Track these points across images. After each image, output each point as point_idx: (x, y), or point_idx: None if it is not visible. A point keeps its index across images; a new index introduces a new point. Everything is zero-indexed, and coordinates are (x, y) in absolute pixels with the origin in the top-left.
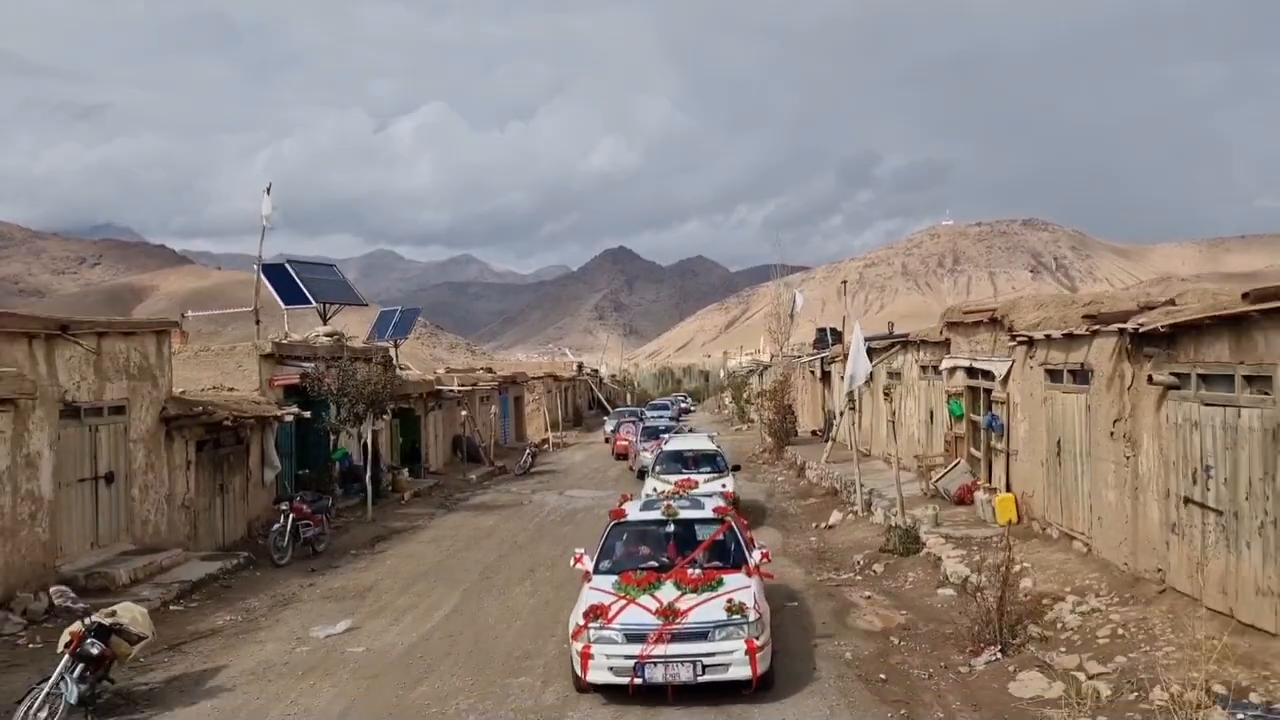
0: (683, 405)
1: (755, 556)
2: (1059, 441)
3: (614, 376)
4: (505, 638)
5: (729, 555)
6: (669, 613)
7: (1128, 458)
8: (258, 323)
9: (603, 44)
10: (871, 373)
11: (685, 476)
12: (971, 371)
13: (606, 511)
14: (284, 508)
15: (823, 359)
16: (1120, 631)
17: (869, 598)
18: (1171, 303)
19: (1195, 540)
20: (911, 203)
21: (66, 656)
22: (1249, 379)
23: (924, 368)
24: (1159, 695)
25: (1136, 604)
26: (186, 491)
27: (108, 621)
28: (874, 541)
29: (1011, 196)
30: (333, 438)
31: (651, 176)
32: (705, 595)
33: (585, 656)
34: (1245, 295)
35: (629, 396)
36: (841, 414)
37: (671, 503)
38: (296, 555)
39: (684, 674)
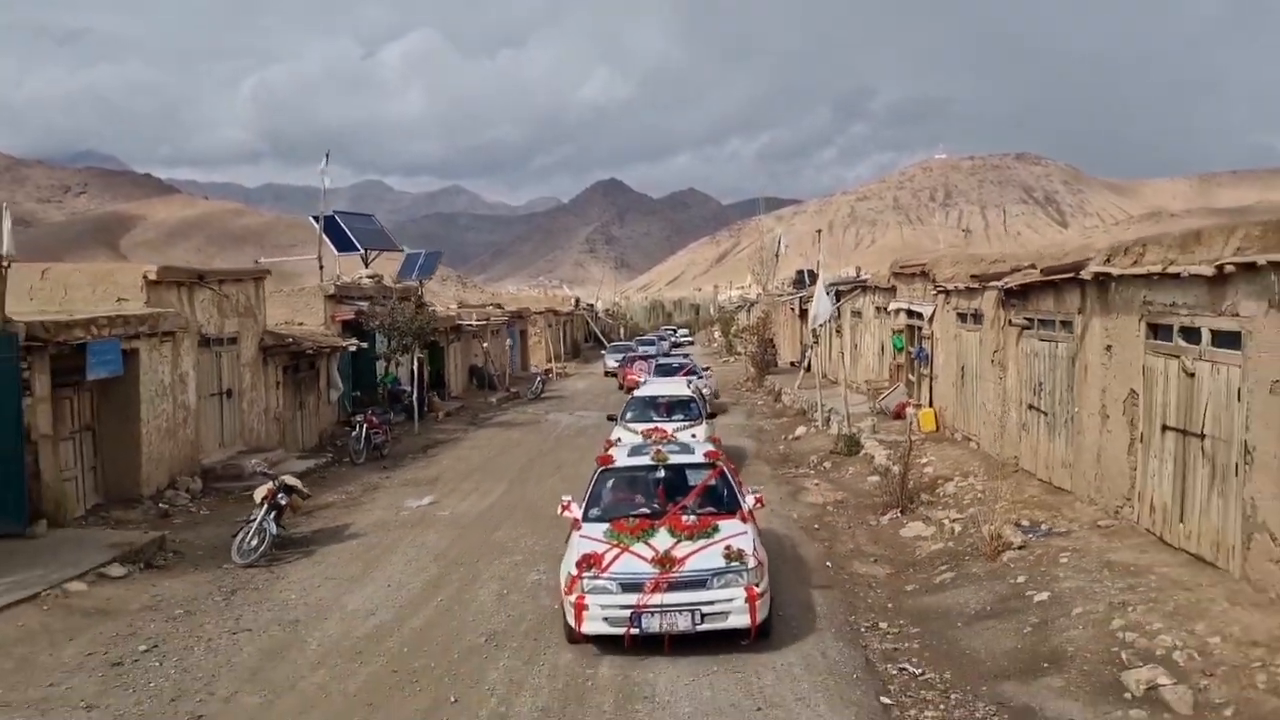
0: (674, 340)
1: (749, 501)
2: (963, 368)
3: (607, 310)
4: (548, 508)
5: (722, 500)
6: (665, 560)
7: (1000, 378)
8: (321, 268)
9: None
10: (837, 310)
11: (655, 425)
12: (910, 313)
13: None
14: (359, 419)
15: (800, 298)
16: (979, 496)
17: (817, 484)
18: (1033, 266)
19: (1033, 433)
20: (905, 136)
21: (265, 505)
22: (1062, 323)
23: (878, 308)
24: (986, 529)
25: (996, 478)
26: (277, 406)
27: (291, 482)
28: (827, 446)
29: (1007, 131)
30: (384, 364)
31: (644, 108)
32: (701, 542)
33: (580, 608)
34: (1027, 274)
35: (622, 330)
36: (809, 347)
37: (661, 448)
38: (369, 457)
39: (682, 623)
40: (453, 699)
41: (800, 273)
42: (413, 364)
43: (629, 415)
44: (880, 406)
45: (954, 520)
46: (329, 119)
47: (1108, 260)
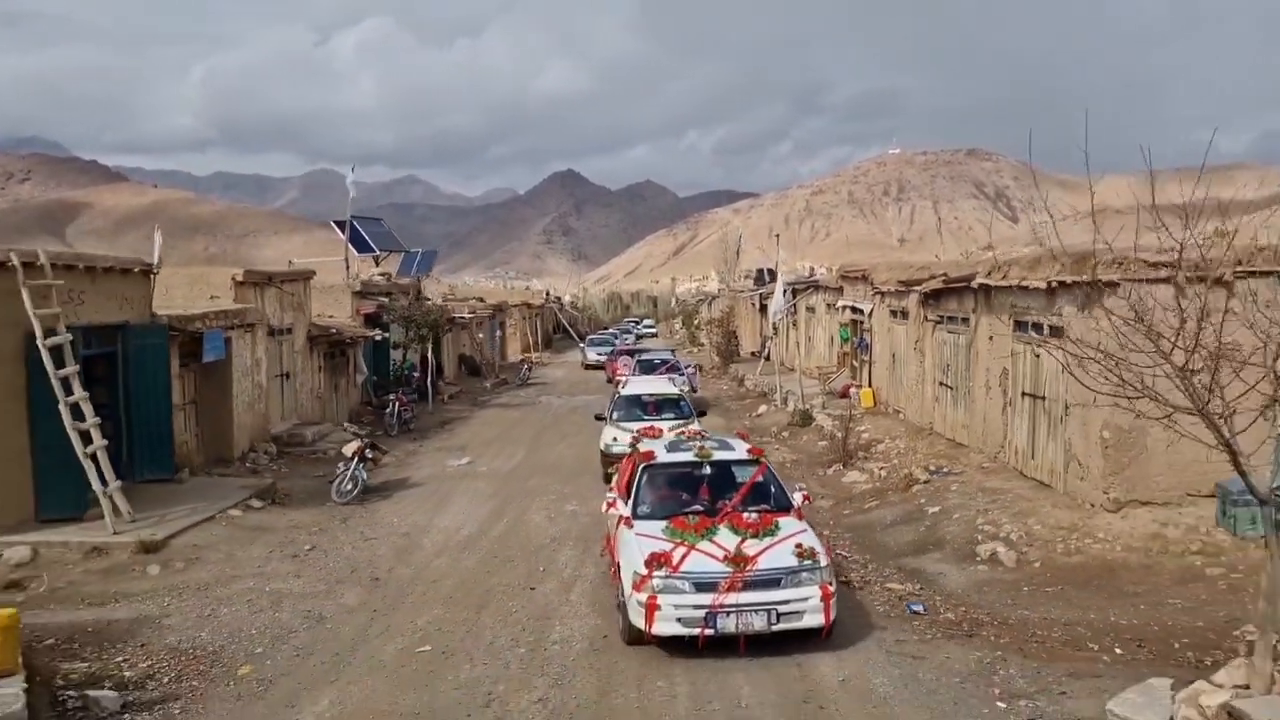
0: (639, 333)
1: (797, 498)
2: (894, 355)
3: (573, 303)
4: (566, 464)
5: (770, 497)
6: (738, 559)
7: (920, 362)
8: (347, 268)
9: None
10: (793, 306)
11: (649, 424)
12: (854, 310)
13: (603, 407)
14: (391, 398)
15: (761, 294)
16: (902, 451)
17: (778, 448)
18: (945, 274)
19: (943, 403)
20: (860, 131)
21: (355, 459)
22: (962, 319)
23: (828, 305)
24: (903, 473)
25: (916, 440)
26: (319, 387)
27: (370, 441)
28: (785, 420)
29: (960, 126)
30: (401, 352)
31: (601, 100)
32: (768, 540)
33: (651, 608)
34: (940, 281)
35: (588, 322)
36: (769, 338)
37: (704, 444)
38: (400, 430)
39: (758, 623)
40: (541, 569)
41: (760, 271)
42: (426, 352)
43: (617, 415)
44: (829, 388)
45: (882, 469)
46: (281, 107)
47: (988, 274)
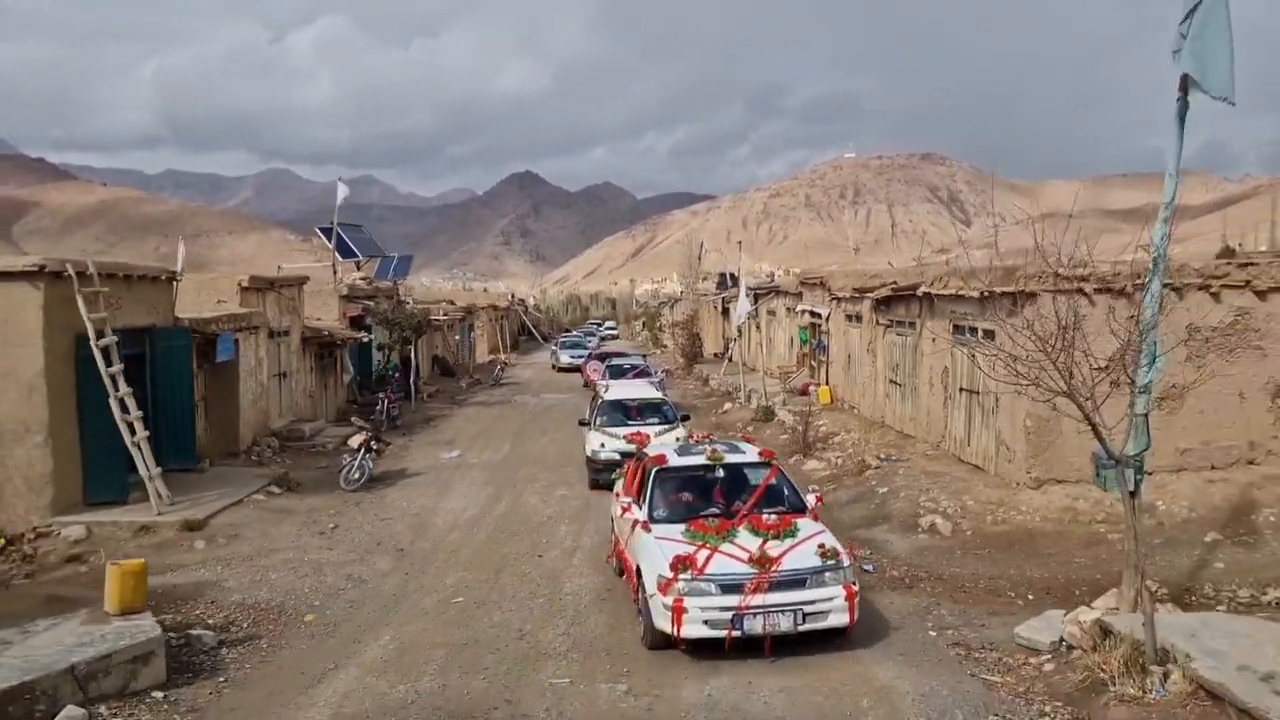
0: (602, 335)
1: (810, 500)
2: (849, 356)
3: (535, 305)
4: (549, 456)
5: (784, 499)
6: (763, 560)
7: (873, 362)
8: (335, 273)
9: None
10: (755, 311)
11: (635, 429)
12: (812, 314)
13: (576, 406)
14: (381, 396)
15: (723, 298)
16: (857, 442)
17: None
18: (895, 283)
19: (893, 399)
20: (817, 134)
21: (361, 450)
22: (909, 323)
23: (789, 309)
24: (858, 461)
25: (869, 432)
26: (311, 386)
27: (374, 434)
28: (749, 416)
29: (914, 130)
30: (385, 353)
31: (559, 100)
32: (789, 541)
33: (679, 610)
34: (889, 289)
35: (550, 323)
36: (733, 340)
37: (716, 447)
38: (389, 426)
39: (784, 623)
40: (544, 541)
41: (723, 275)
42: (412, 353)
43: (601, 420)
44: (790, 386)
45: (838, 457)
46: (234, 104)
47: (931, 284)
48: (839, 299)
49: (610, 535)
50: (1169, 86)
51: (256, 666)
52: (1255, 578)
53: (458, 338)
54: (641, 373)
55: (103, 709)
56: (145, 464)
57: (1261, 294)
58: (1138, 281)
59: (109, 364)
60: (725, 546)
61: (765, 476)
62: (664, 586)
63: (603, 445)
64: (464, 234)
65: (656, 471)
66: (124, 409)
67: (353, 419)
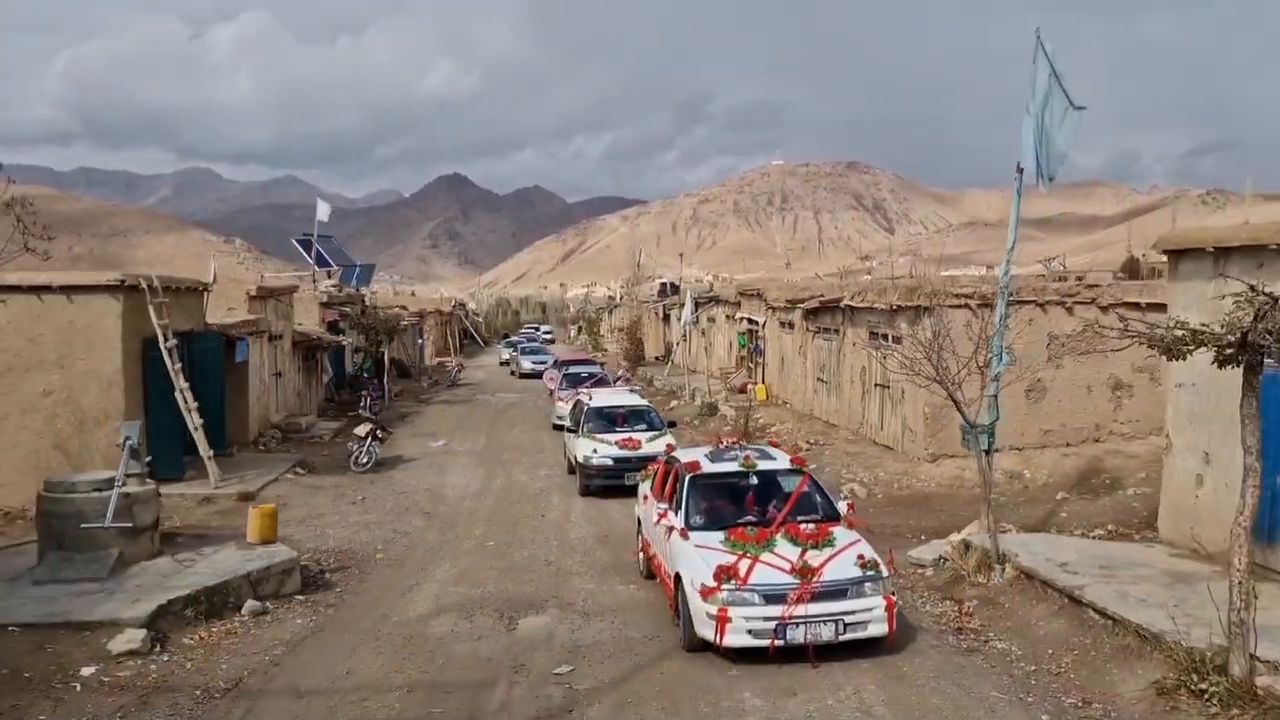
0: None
1: (843, 507)
2: (783, 358)
3: (474, 310)
4: (523, 444)
5: (818, 508)
6: (805, 570)
7: (804, 364)
8: (314, 281)
9: None
10: (697, 318)
11: (627, 435)
12: (750, 321)
13: (532, 404)
14: (364, 393)
15: (664, 305)
16: (790, 430)
17: (691, 434)
18: (822, 295)
19: (820, 395)
20: (745, 141)
21: (368, 437)
22: (834, 330)
23: (728, 316)
24: (791, 445)
25: (800, 422)
26: (299, 384)
27: (379, 424)
28: (695, 411)
29: (840, 139)
30: (360, 355)
31: (489, 102)
32: (828, 551)
33: (723, 620)
34: (817, 300)
35: (488, 327)
36: (676, 344)
37: (749, 453)
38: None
39: (826, 633)
40: (543, 505)
41: (664, 284)
42: (381, 355)
43: (589, 426)
44: (730, 385)
45: (784, 447)
46: (151, 101)
47: (851, 298)
48: (774, 309)
49: (636, 536)
50: (1080, 101)
51: (358, 584)
52: (1088, 521)
53: (421, 341)
54: (599, 381)
55: (269, 604)
56: (203, 446)
57: (1104, 308)
58: (1011, 298)
59: (174, 363)
60: (766, 556)
61: (798, 484)
62: (706, 595)
63: (595, 451)
64: (391, 236)
65: (691, 478)
66: (185, 401)
67: (360, 411)
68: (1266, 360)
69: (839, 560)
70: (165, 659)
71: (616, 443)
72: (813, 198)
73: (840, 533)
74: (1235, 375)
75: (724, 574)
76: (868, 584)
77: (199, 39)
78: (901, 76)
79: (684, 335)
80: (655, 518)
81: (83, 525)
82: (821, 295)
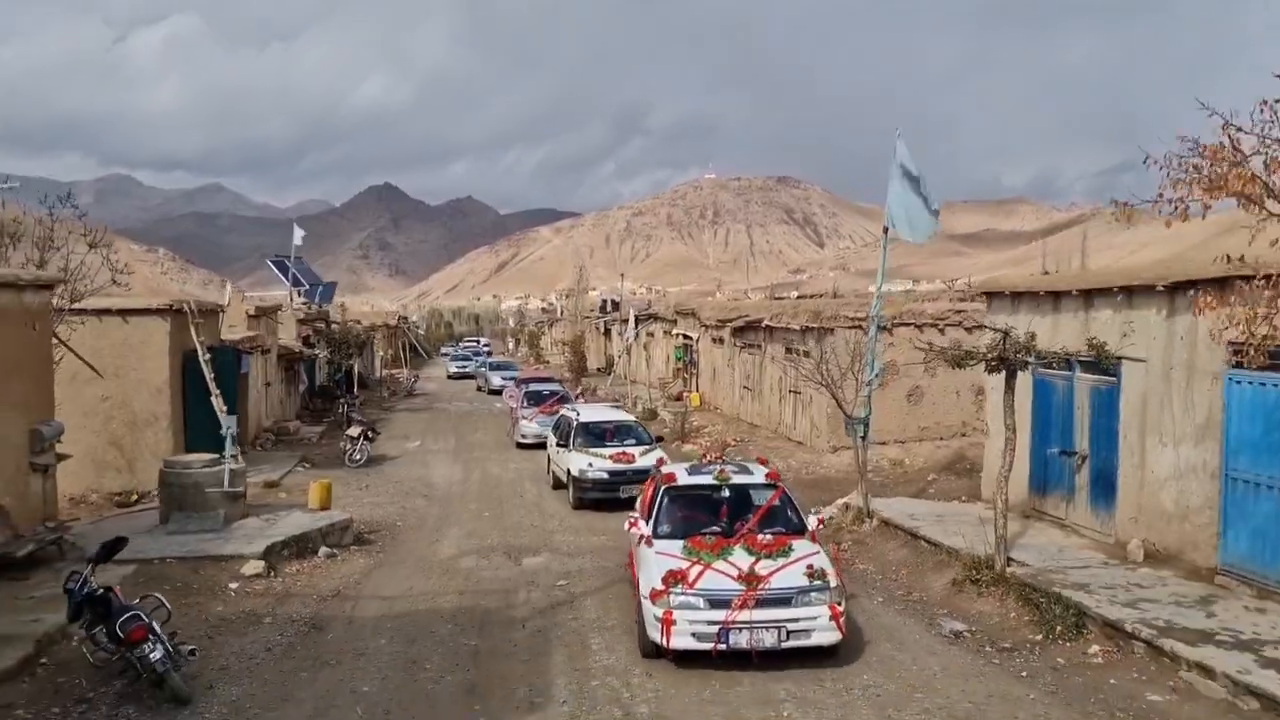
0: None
1: (812, 522)
2: (714, 369)
3: (415, 323)
4: (489, 444)
5: (787, 521)
6: (751, 578)
7: (732, 374)
8: (290, 300)
9: None
10: (638, 333)
11: (620, 449)
12: (686, 336)
13: (488, 410)
14: (344, 400)
15: (605, 320)
16: (720, 431)
17: None
18: (747, 315)
19: (746, 401)
20: (678, 154)
21: (361, 437)
22: (758, 346)
23: (666, 331)
24: (721, 443)
25: (729, 424)
26: (281, 393)
27: (370, 424)
28: (637, 416)
29: (772, 153)
30: (333, 367)
31: (422, 113)
32: (781, 560)
33: (668, 622)
34: (743, 320)
35: (430, 339)
36: (619, 357)
37: (724, 467)
38: (348, 426)
39: (768, 640)
40: (519, 489)
41: (604, 301)
42: (352, 366)
43: (580, 441)
44: (668, 394)
45: (707, 442)
46: (71, 106)
47: (771, 319)
48: (707, 326)
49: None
50: (1005, 120)
51: (392, 541)
52: (949, 494)
53: (382, 353)
54: (561, 399)
55: (335, 550)
56: (230, 442)
57: (969, 329)
58: (894, 321)
59: (210, 374)
60: (718, 564)
61: (770, 498)
62: (655, 598)
63: (590, 465)
64: (320, 247)
65: (665, 489)
66: (219, 405)
67: (353, 416)
68: (1040, 369)
69: (788, 570)
70: (280, 580)
71: (610, 456)
72: (745, 211)
73: (800, 545)
74: (1023, 380)
75: (673, 578)
76: (814, 593)
77: (123, 43)
78: (832, 93)
79: (626, 349)
80: (626, 525)
81: (208, 490)
82: (747, 316)
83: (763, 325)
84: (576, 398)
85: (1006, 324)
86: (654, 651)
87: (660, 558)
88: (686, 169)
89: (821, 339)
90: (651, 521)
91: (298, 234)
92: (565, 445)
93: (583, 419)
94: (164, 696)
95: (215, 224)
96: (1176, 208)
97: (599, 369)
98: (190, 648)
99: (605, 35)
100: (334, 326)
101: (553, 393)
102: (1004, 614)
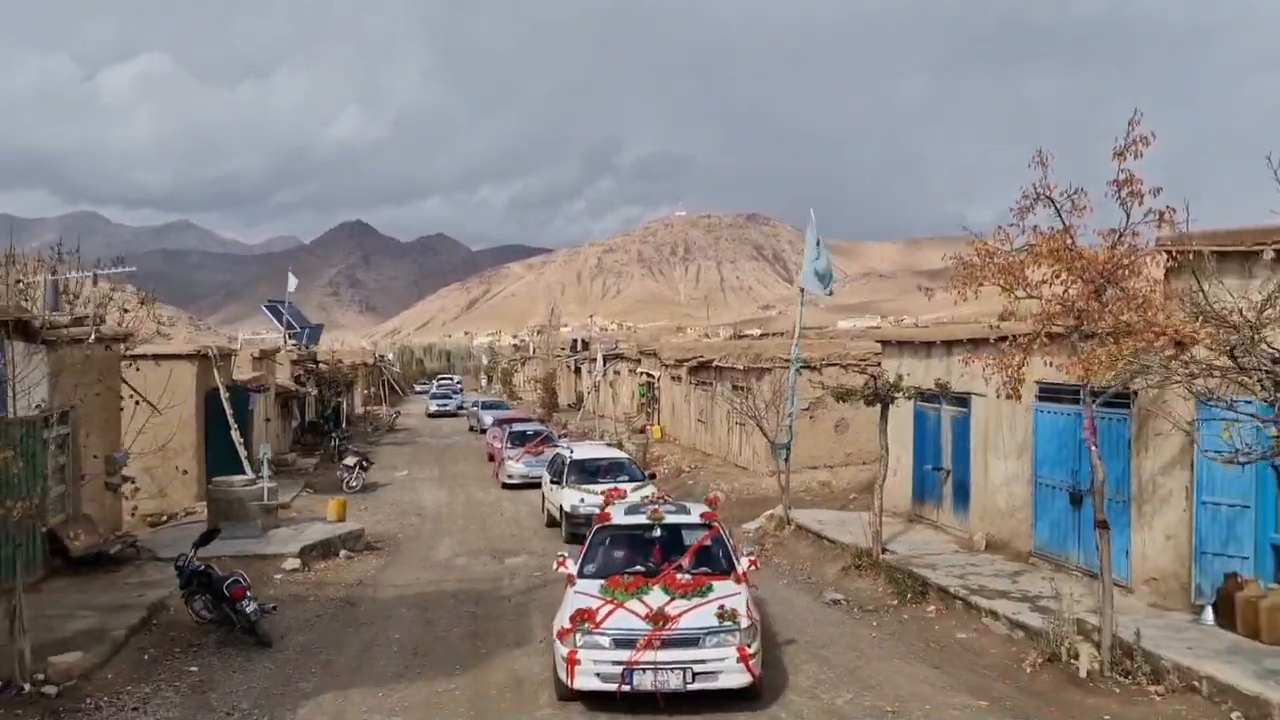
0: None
1: (743, 563)
2: (674, 404)
3: (391, 361)
4: (470, 474)
5: (717, 561)
6: (659, 618)
7: (689, 408)
8: (284, 341)
9: (347, 9)
10: (605, 371)
11: (613, 485)
12: (649, 374)
13: (467, 444)
14: (334, 434)
15: (575, 359)
16: (679, 460)
17: None
18: (701, 355)
19: (700, 433)
20: (649, 191)
21: (357, 466)
22: (709, 383)
23: (631, 369)
24: (677, 469)
25: (686, 454)
26: (278, 428)
27: (367, 455)
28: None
29: (742, 191)
30: (324, 404)
31: (394, 150)
32: (695, 601)
33: (572, 662)
34: (697, 360)
35: (405, 377)
36: (588, 393)
37: (659, 507)
38: (339, 458)
39: (673, 681)
40: (500, 510)
41: (575, 341)
42: (340, 403)
43: (574, 478)
44: (632, 427)
45: (666, 469)
46: (37, 142)
47: (719, 359)
48: (666, 365)
49: None
50: (969, 158)
51: (397, 548)
52: (865, 509)
53: (365, 391)
54: (545, 439)
55: (352, 553)
56: (249, 468)
57: (876, 364)
58: (824, 362)
59: (230, 410)
60: (631, 603)
61: (702, 537)
62: (562, 637)
63: (582, 500)
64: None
65: (597, 529)
66: (238, 437)
67: (349, 447)
68: (919, 402)
69: (700, 610)
70: (313, 573)
71: (602, 492)
72: (715, 248)
73: (722, 585)
74: (906, 410)
75: (581, 618)
76: (723, 634)
77: (92, 80)
78: (800, 131)
79: (595, 386)
80: (555, 565)
81: (249, 504)
82: (700, 356)
83: (713, 365)
84: (562, 436)
85: (896, 367)
86: (567, 693)
87: (576, 597)
88: (657, 206)
89: (760, 378)
90: (578, 561)
91: (292, 282)
92: (559, 482)
93: (576, 456)
94: (253, 642)
95: (183, 261)
96: (962, 291)
97: (570, 405)
98: (272, 605)
99: (577, 73)
100: (323, 366)
101: (536, 432)
102: (874, 588)
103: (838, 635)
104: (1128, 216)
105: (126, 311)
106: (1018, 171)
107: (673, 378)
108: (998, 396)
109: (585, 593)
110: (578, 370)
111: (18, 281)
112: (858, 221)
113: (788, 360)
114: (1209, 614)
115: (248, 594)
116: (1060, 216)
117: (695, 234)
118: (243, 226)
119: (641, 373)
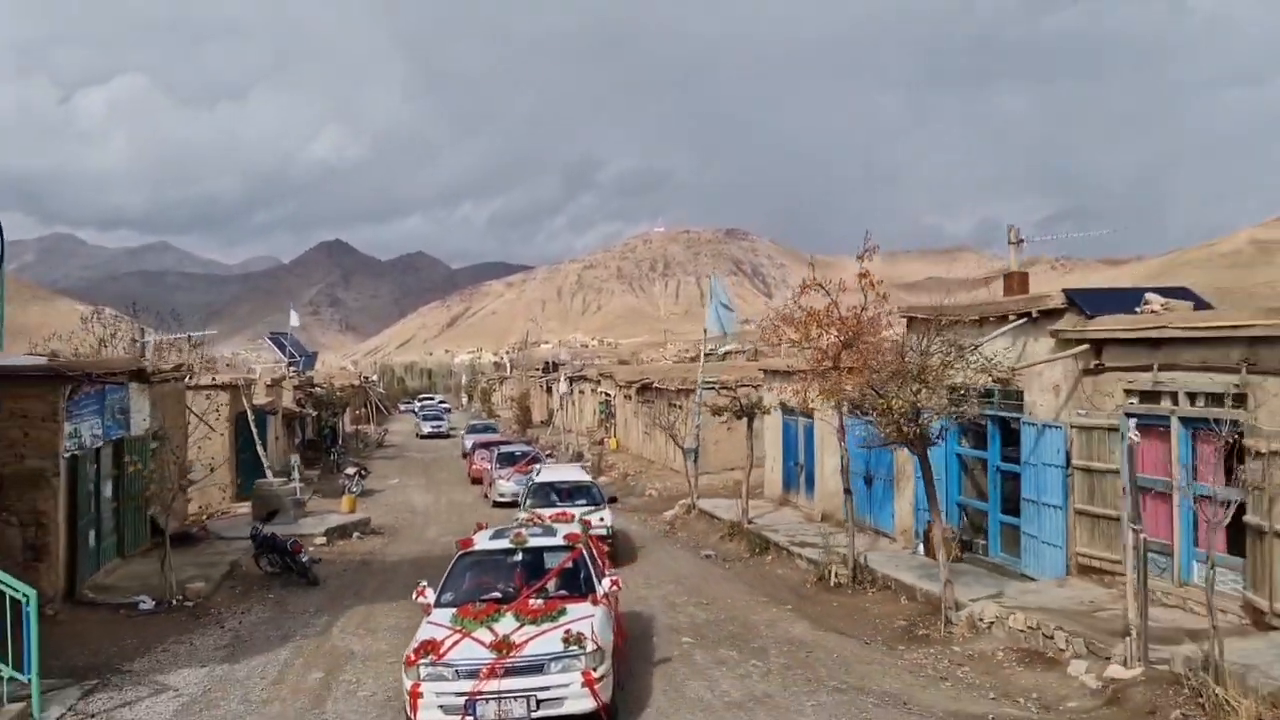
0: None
1: (605, 585)
2: (627, 419)
3: (375, 381)
4: (453, 481)
5: (578, 583)
6: (503, 646)
7: (639, 422)
8: (289, 366)
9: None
10: (570, 391)
11: (560, 510)
12: (607, 394)
13: (450, 457)
14: (333, 450)
15: (547, 380)
16: (627, 466)
17: None
18: (648, 378)
19: (647, 443)
20: (630, 207)
21: (357, 474)
22: (651, 401)
23: (592, 389)
24: (625, 474)
25: (634, 462)
26: (285, 445)
27: (365, 465)
28: (566, 458)
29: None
30: (323, 424)
31: (373, 168)
32: (544, 626)
33: (414, 695)
34: (642, 382)
35: (389, 396)
36: (557, 410)
37: (523, 530)
38: (338, 470)
39: (517, 710)
40: (478, 508)
41: (547, 362)
42: (337, 423)
43: (531, 501)
44: (594, 440)
45: (617, 473)
46: (11, 164)
47: (659, 381)
48: (620, 386)
49: None
50: (946, 172)
51: (395, 532)
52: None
53: (358, 411)
54: (533, 459)
55: (362, 535)
56: (270, 477)
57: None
58: (738, 383)
59: (255, 429)
60: (478, 632)
61: (562, 560)
62: (406, 669)
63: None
64: (269, 303)
65: (459, 556)
66: (263, 451)
67: (353, 460)
68: (786, 416)
69: (546, 636)
70: (335, 547)
71: (550, 517)
72: (694, 263)
73: (577, 608)
74: (776, 421)
75: (424, 649)
76: (567, 659)
77: (67, 103)
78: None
79: (563, 404)
80: (414, 595)
81: (284, 499)
82: (646, 379)
83: (654, 386)
84: (548, 456)
85: (774, 389)
86: None
87: (427, 628)
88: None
89: (689, 397)
90: (439, 590)
91: (294, 317)
92: (518, 505)
93: (540, 479)
94: (305, 582)
95: (162, 282)
96: (770, 341)
97: (542, 421)
98: (318, 559)
99: (556, 90)
100: (319, 390)
101: (524, 453)
102: (737, 548)
103: (698, 574)
104: (866, 297)
105: (180, 351)
106: (991, 185)
107: (625, 397)
108: (795, 412)
109: (436, 623)
110: (549, 389)
111: (113, 334)
112: (836, 236)
113: (709, 382)
114: (920, 547)
115: (303, 550)
116: (828, 294)
117: (675, 249)
118: (221, 247)
119: (601, 392)
